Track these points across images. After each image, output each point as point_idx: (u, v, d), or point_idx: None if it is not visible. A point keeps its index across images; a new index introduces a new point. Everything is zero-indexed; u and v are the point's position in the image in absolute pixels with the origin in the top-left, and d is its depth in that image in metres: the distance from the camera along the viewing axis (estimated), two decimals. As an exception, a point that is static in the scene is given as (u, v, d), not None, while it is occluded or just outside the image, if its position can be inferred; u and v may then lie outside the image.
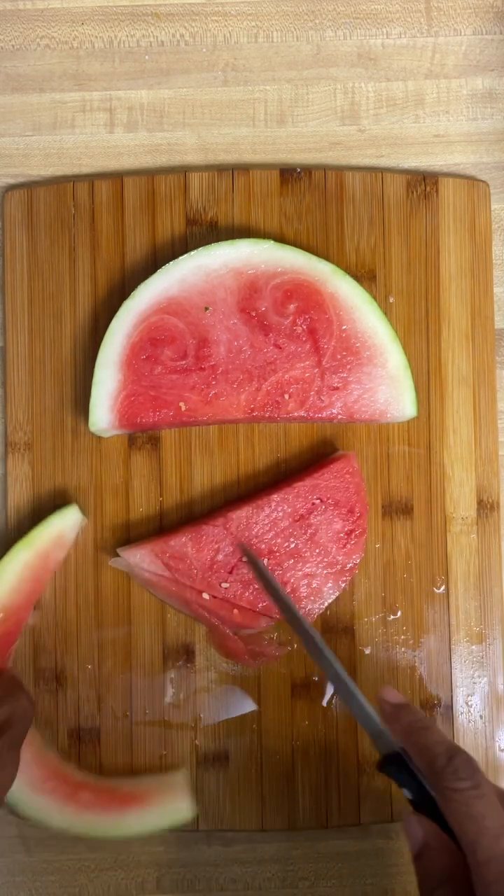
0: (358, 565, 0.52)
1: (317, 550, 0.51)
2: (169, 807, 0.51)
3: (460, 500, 0.54)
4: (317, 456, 0.54)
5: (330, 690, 0.53)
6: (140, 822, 0.50)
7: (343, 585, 0.51)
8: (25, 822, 0.52)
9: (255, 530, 0.51)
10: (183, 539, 0.51)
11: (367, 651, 0.53)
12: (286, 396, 0.52)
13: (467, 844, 0.38)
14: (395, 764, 0.43)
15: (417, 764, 0.42)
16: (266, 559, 0.51)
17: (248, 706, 0.53)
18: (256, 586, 0.51)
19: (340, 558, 0.51)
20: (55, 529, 0.52)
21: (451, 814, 0.39)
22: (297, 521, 0.51)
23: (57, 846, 0.54)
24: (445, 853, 0.40)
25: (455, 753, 0.41)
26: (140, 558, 0.51)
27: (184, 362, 0.51)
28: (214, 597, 0.51)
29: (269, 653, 0.52)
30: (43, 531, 0.52)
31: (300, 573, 0.51)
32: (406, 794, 0.42)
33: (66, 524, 0.52)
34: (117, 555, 0.52)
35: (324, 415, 0.52)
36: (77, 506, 0.53)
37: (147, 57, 0.57)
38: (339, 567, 0.51)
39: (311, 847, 0.54)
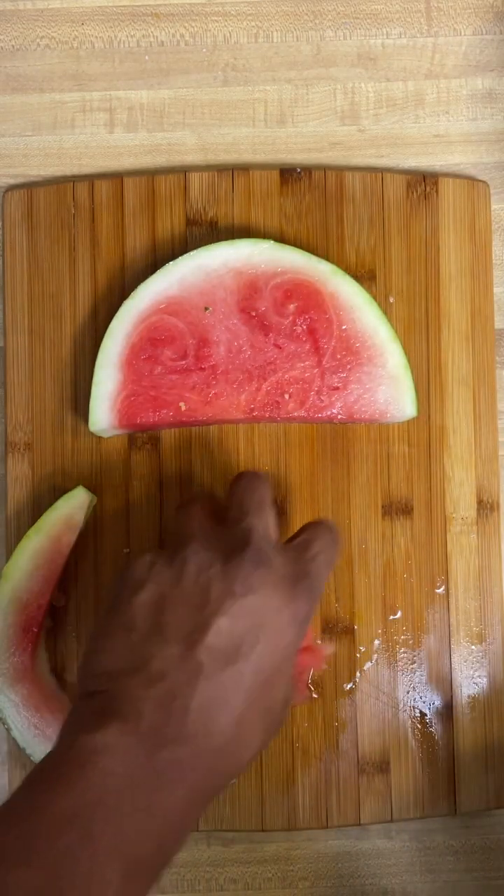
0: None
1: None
2: None
3: (460, 500, 0.54)
4: (316, 455, 0.54)
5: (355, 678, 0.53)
6: None
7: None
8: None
9: None
10: None
11: (366, 650, 0.53)
12: (286, 396, 0.52)
13: None
14: None
15: None
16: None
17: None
18: None
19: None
20: (64, 512, 0.52)
21: None
22: None
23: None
24: None
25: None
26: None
27: (184, 362, 0.51)
28: None
29: (303, 694, 0.52)
30: (52, 515, 0.52)
31: None
32: None
33: (73, 506, 0.52)
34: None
35: (324, 415, 0.52)
36: (83, 487, 0.52)
37: (147, 57, 0.57)
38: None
39: (311, 847, 0.54)
